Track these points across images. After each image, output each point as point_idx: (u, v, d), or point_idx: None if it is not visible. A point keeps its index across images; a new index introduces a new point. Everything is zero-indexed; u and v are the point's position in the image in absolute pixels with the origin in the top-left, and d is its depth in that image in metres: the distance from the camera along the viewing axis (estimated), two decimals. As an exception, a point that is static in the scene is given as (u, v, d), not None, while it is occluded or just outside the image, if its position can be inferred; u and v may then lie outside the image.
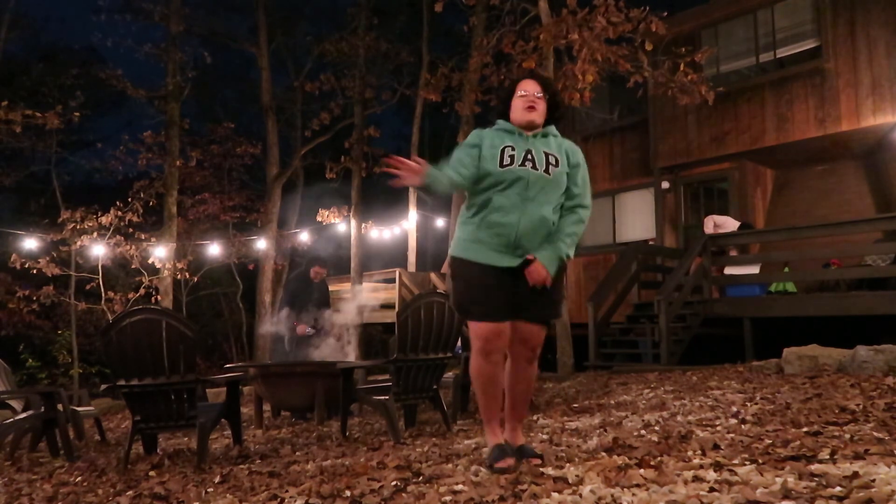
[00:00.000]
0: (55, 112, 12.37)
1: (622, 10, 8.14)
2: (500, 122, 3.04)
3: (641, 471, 2.40)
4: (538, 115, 2.96)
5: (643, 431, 3.46)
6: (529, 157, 2.87)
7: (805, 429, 3.06)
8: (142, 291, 13.68)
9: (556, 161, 2.90)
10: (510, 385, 2.96)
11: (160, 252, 13.23)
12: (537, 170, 2.86)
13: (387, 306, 13.35)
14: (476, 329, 2.84)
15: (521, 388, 2.96)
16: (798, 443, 2.71)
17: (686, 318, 9.33)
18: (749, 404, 4.14)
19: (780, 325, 8.76)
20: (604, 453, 2.88)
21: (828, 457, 2.42)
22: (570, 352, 8.64)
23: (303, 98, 18.24)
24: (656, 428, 3.55)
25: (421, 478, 2.71)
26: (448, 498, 2.35)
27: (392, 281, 13.69)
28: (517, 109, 2.97)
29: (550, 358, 9.28)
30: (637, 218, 12.37)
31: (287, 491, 2.82)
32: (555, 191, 2.89)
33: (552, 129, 3.03)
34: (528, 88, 2.99)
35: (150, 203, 14.41)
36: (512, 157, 2.86)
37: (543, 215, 2.84)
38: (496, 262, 2.83)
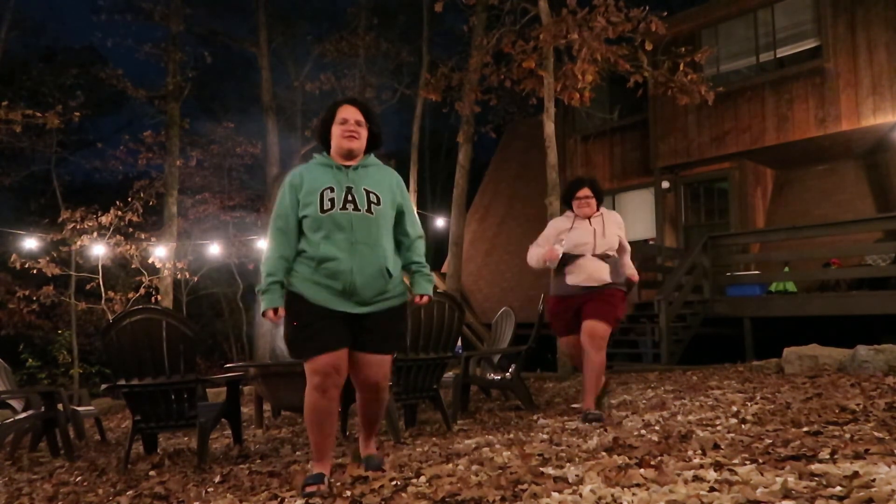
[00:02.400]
0: (55, 112, 12.36)
1: (622, 9, 8.14)
2: (318, 157, 2.94)
3: (641, 470, 2.39)
4: (359, 144, 2.88)
5: (643, 431, 3.46)
6: (350, 196, 2.79)
7: (805, 428, 3.06)
8: (142, 291, 13.67)
9: (378, 198, 2.82)
10: (360, 411, 3.05)
11: (160, 252, 13.23)
12: (359, 210, 2.78)
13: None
14: (312, 365, 2.75)
15: (369, 414, 3.04)
16: (798, 442, 2.71)
17: (686, 317, 9.33)
18: (749, 404, 4.14)
19: (781, 324, 8.77)
20: (604, 453, 2.88)
21: (828, 456, 2.42)
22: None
23: (303, 98, 18.25)
24: (656, 428, 3.55)
25: (421, 478, 2.71)
26: (448, 498, 2.35)
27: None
28: (336, 136, 2.88)
29: (550, 358, 9.28)
30: (637, 218, 12.36)
31: (287, 491, 2.83)
32: (382, 228, 2.83)
33: (372, 158, 2.96)
34: (348, 115, 2.89)
35: (150, 203, 14.39)
36: (332, 200, 2.77)
37: (377, 259, 2.79)
38: (335, 306, 2.77)
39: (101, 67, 15.66)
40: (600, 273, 4.25)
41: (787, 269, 10.03)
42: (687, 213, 11.98)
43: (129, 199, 13.94)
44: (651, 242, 11.66)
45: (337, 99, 3.19)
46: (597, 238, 4.30)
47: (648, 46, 8.64)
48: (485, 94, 11.64)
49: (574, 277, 4.28)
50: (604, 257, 4.29)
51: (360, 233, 2.77)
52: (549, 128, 8.65)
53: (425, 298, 2.96)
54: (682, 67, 9.01)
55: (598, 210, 4.41)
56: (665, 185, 11.73)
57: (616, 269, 4.33)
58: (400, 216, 2.96)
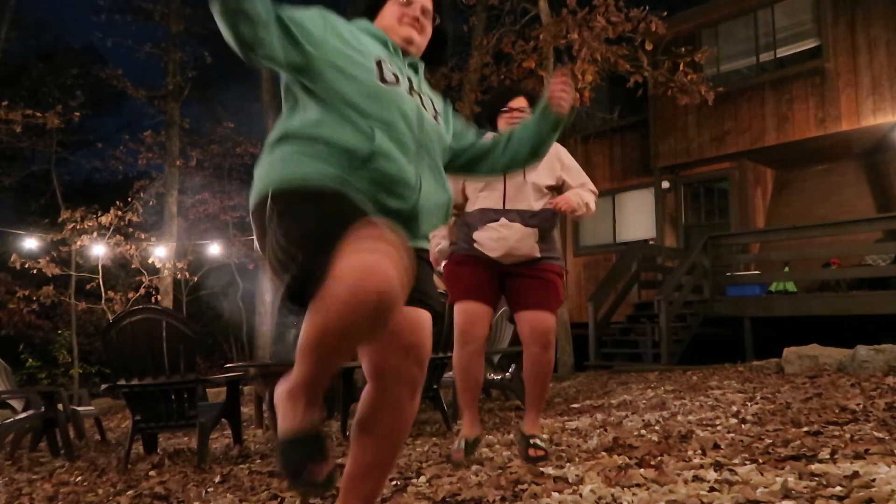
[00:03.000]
0: (55, 112, 12.36)
1: (622, 9, 8.15)
2: (364, 22, 1.83)
3: (642, 470, 2.40)
4: (421, 40, 1.85)
5: (643, 431, 3.46)
6: (415, 88, 1.78)
7: (805, 428, 3.06)
8: (142, 291, 13.66)
9: (437, 113, 1.84)
10: (388, 432, 1.90)
11: (160, 252, 13.22)
12: (426, 111, 1.76)
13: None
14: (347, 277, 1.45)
15: (400, 435, 2.21)
16: (798, 442, 2.71)
17: (686, 317, 9.34)
18: (749, 404, 4.14)
19: (781, 324, 8.77)
20: (604, 453, 2.88)
21: (828, 456, 2.42)
22: (570, 351, 8.64)
23: (303, 98, 18.21)
24: (656, 428, 3.55)
25: (421, 478, 2.71)
26: (448, 498, 2.35)
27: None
28: (390, 16, 1.81)
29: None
30: (637, 218, 12.37)
31: (287, 490, 2.83)
32: (443, 150, 1.84)
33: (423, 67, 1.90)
34: None
35: (151, 203, 14.41)
36: (396, 75, 1.71)
37: (443, 182, 1.77)
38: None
39: (101, 67, 15.66)
40: (525, 245, 2.95)
41: (787, 269, 10.03)
42: (687, 213, 11.98)
43: (129, 199, 13.94)
44: (651, 242, 11.67)
45: None
46: (507, 180, 2.95)
47: (648, 46, 8.64)
48: (484, 94, 11.61)
49: (486, 246, 2.96)
50: (527, 217, 2.95)
51: (428, 137, 1.73)
52: (549, 128, 8.63)
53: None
54: (682, 67, 9.01)
55: None
56: (665, 185, 11.74)
57: (550, 233, 3.04)
58: (472, 136, 2.00)
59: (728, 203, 11.34)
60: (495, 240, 2.95)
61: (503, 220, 2.94)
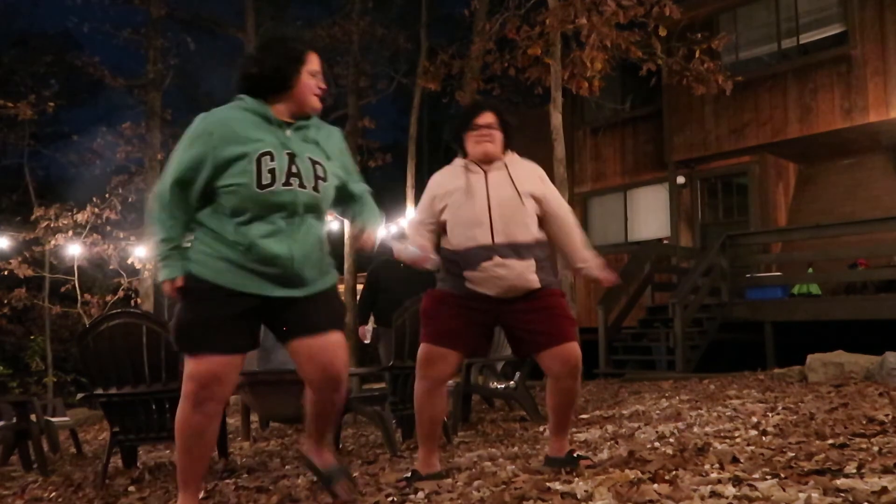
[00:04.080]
0: (28, 102, 12.38)
1: (634, -8, 8.15)
2: (248, 101, 2.45)
3: (655, 486, 2.40)
4: (320, 106, 2.53)
5: (657, 444, 3.46)
6: (294, 168, 2.39)
7: (830, 441, 3.06)
8: (120, 294, 13.67)
9: (325, 172, 2.47)
10: (312, 410, 2.65)
11: (140, 252, 13.22)
12: (305, 188, 2.41)
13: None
14: (193, 365, 2.38)
15: (329, 414, 2.66)
16: (823, 456, 2.71)
17: (703, 322, 9.34)
18: (770, 415, 4.14)
19: (804, 329, 8.77)
20: (615, 467, 2.88)
21: (854, 471, 2.42)
22: (578, 358, 8.63)
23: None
24: (671, 440, 3.55)
25: (419, 493, 2.72)
26: (448, 515, 2.35)
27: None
28: (306, 87, 2.46)
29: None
30: (650, 215, 12.37)
31: (276, 507, 2.83)
32: (325, 206, 2.52)
33: (313, 120, 2.56)
34: (319, 68, 2.50)
35: (130, 199, 14.40)
36: (272, 171, 2.35)
37: (316, 233, 2.49)
38: (268, 292, 2.41)
39: (76, 54, 15.66)
40: (523, 280, 2.88)
41: (810, 270, 10.04)
42: (704, 211, 11.98)
43: (107, 196, 13.93)
44: (665, 242, 11.67)
45: (301, 36, 2.83)
46: (493, 210, 2.89)
47: (662, 32, 8.64)
48: (487, 83, 11.63)
49: (480, 286, 2.89)
50: (522, 250, 2.88)
51: (305, 209, 2.43)
52: (556, 119, 8.65)
53: (372, 237, 2.62)
54: (698, 55, 9.01)
55: (503, 153, 3.02)
56: (680, 180, 11.74)
57: (546, 260, 3.00)
58: (342, 185, 2.61)
59: (747, 199, 11.34)
60: (491, 281, 2.86)
61: (497, 259, 2.84)
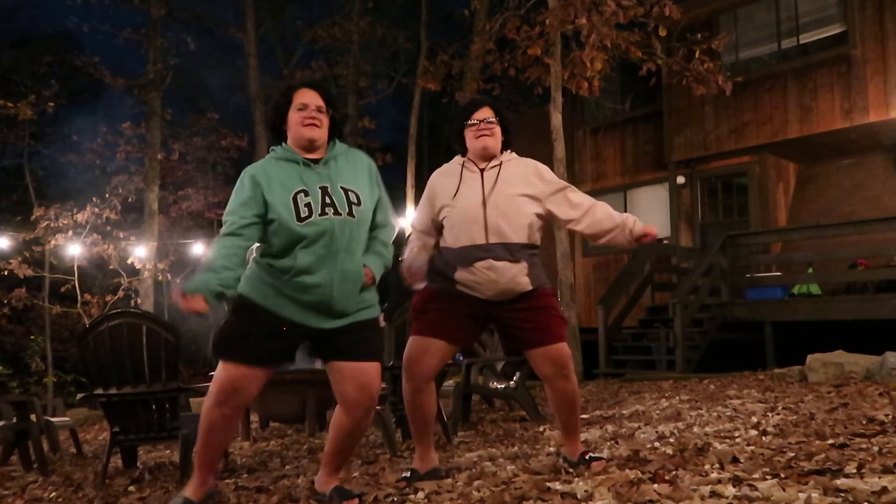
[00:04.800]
0: (28, 102, 12.37)
1: (634, -8, 8.16)
2: (278, 150, 2.74)
3: (655, 486, 2.40)
4: (321, 133, 2.71)
5: (657, 444, 3.46)
6: (328, 199, 2.63)
7: (830, 441, 3.06)
8: (120, 294, 13.67)
9: (358, 198, 2.69)
10: (340, 436, 2.76)
11: (140, 252, 13.23)
12: (340, 214, 2.63)
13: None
14: (221, 371, 2.63)
15: (353, 440, 2.80)
16: (823, 456, 2.72)
17: (703, 322, 9.34)
18: (770, 415, 4.15)
19: (804, 329, 8.77)
20: (615, 467, 2.88)
21: (854, 471, 2.42)
22: (578, 358, 8.65)
23: (293, 87, 18.23)
24: (671, 440, 3.55)
25: (419, 493, 2.72)
26: (448, 515, 2.35)
27: (388, 282, 13.68)
28: (294, 123, 2.70)
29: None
30: (650, 215, 12.34)
31: (276, 507, 2.83)
32: (362, 232, 2.71)
33: (339, 146, 2.78)
34: (308, 100, 2.70)
35: (130, 199, 14.40)
36: (308, 205, 2.60)
37: (356, 267, 2.68)
38: (304, 320, 2.64)
39: (76, 54, 15.68)
40: (515, 283, 2.89)
41: (810, 270, 10.04)
42: (704, 211, 11.98)
43: (107, 196, 13.93)
44: (665, 242, 11.67)
45: (297, 81, 3.08)
46: (488, 209, 2.88)
47: (662, 32, 8.65)
48: (487, 83, 11.65)
49: (471, 290, 2.90)
50: (515, 251, 2.87)
51: (341, 240, 2.63)
52: (557, 119, 8.66)
53: (369, 276, 2.73)
54: (698, 55, 9.02)
55: (502, 152, 3.03)
56: (680, 180, 11.75)
57: (535, 261, 2.96)
58: (375, 209, 2.80)
59: (747, 199, 11.34)
60: (483, 283, 2.86)
61: (489, 262, 2.84)
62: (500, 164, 2.98)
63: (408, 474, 2.97)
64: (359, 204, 2.68)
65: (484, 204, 2.89)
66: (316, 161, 2.71)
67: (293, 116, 2.70)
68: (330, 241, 2.61)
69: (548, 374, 2.94)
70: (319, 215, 2.60)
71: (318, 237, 2.60)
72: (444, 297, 2.93)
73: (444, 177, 3.04)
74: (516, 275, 2.86)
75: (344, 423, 2.73)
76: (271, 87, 18.36)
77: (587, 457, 2.94)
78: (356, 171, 2.76)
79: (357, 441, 2.90)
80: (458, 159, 3.06)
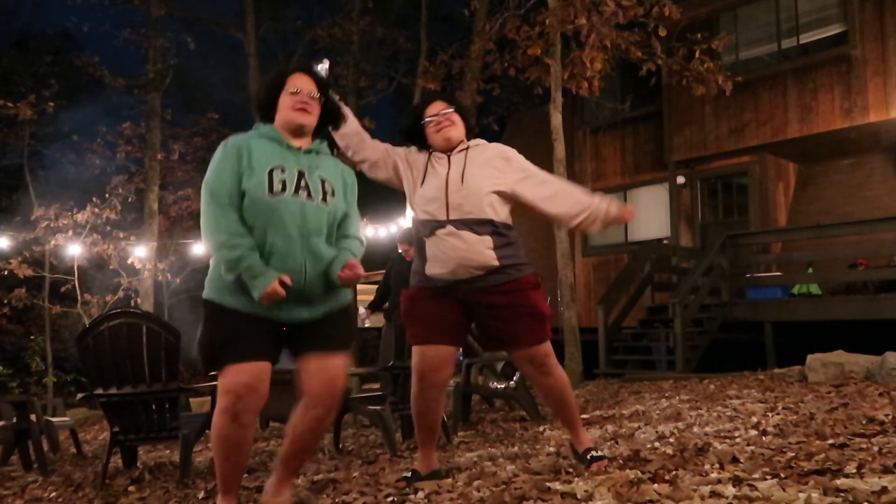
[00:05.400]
0: (28, 102, 12.37)
1: (633, -8, 8.15)
2: (263, 128, 2.66)
3: (655, 486, 2.40)
4: (311, 120, 2.65)
5: (657, 444, 3.46)
6: (304, 182, 2.56)
7: (830, 441, 3.06)
8: (120, 294, 13.67)
9: (333, 190, 2.63)
10: (298, 434, 2.64)
11: (140, 252, 13.23)
12: (313, 200, 2.55)
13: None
14: (226, 378, 2.46)
15: (312, 440, 2.69)
16: (823, 456, 2.72)
17: (703, 322, 9.34)
18: (770, 415, 4.15)
19: (804, 329, 8.77)
20: (615, 467, 2.88)
21: (854, 471, 2.42)
22: (578, 358, 8.64)
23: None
24: (671, 440, 3.55)
25: (419, 493, 2.72)
26: (448, 515, 2.35)
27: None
28: (285, 107, 2.63)
29: (558, 365, 9.27)
30: (650, 215, 12.36)
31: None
32: (331, 226, 2.63)
33: (324, 145, 2.74)
34: (301, 85, 2.64)
35: (130, 199, 14.39)
36: (283, 182, 2.52)
37: (329, 254, 2.59)
38: (277, 315, 2.52)
39: (76, 54, 15.66)
40: (478, 254, 2.82)
41: (810, 270, 10.04)
42: (704, 211, 11.98)
43: (107, 196, 13.93)
44: (665, 242, 11.67)
45: (293, 64, 2.99)
46: (450, 188, 2.87)
47: (662, 32, 8.64)
48: (487, 84, 11.64)
49: (434, 265, 2.87)
50: (475, 225, 2.83)
51: (313, 223, 2.54)
52: (557, 119, 8.65)
53: (355, 266, 2.61)
54: (698, 55, 9.01)
55: (466, 141, 3.01)
56: (680, 180, 11.75)
57: (508, 241, 2.92)
58: (344, 218, 2.71)
59: (748, 199, 11.34)
60: (445, 250, 2.82)
61: (450, 228, 2.82)
62: (468, 149, 2.97)
63: (408, 475, 2.97)
64: (333, 196, 2.62)
65: (447, 183, 2.88)
66: (298, 148, 2.65)
67: (285, 100, 2.64)
68: (302, 222, 2.52)
69: (527, 372, 3.01)
70: (293, 194, 2.52)
71: (289, 218, 2.50)
72: (427, 295, 2.92)
73: (416, 155, 3.02)
74: (477, 244, 2.80)
75: (305, 421, 2.61)
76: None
77: (589, 455, 2.94)
78: (335, 170, 2.71)
79: (316, 442, 2.77)
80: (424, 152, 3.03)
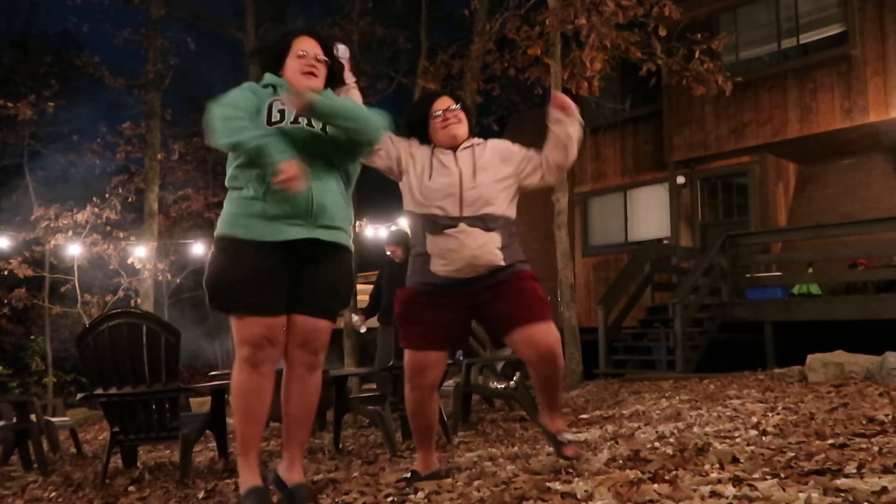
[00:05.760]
0: (28, 102, 12.37)
1: (633, -8, 8.15)
2: (268, 76, 2.72)
3: (655, 486, 2.40)
4: (318, 83, 2.69)
5: (657, 444, 3.46)
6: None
7: (830, 441, 3.06)
8: (120, 294, 13.68)
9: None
10: (285, 402, 2.66)
11: (140, 252, 13.23)
12: (313, 127, 2.59)
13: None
14: (242, 329, 2.54)
15: (301, 405, 2.67)
16: (823, 456, 2.72)
17: (703, 322, 9.34)
18: (770, 415, 4.14)
19: (804, 329, 8.77)
20: (615, 467, 2.88)
21: (855, 471, 2.42)
22: (578, 358, 8.65)
23: (293, 87, 18.25)
24: (671, 440, 3.55)
25: (419, 493, 2.71)
26: (448, 515, 2.35)
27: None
28: (292, 70, 2.68)
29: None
30: (650, 215, 12.37)
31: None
32: (336, 153, 2.65)
33: (328, 91, 2.75)
34: (308, 48, 2.68)
35: (130, 199, 14.41)
36: (282, 112, 2.57)
37: (336, 179, 2.64)
38: (285, 235, 2.53)
39: (76, 54, 15.68)
40: (486, 252, 2.78)
41: (810, 270, 10.04)
42: (704, 211, 11.98)
43: (107, 196, 13.95)
44: (665, 242, 11.67)
45: (298, 26, 3.01)
46: (464, 184, 2.82)
47: (662, 32, 8.65)
48: (487, 84, 11.64)
49: (439, 262, 2.79)
50: (489, 221, 2.80)
51: (315, 149, 2.58)
52: (557, 119, 8.63)
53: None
54: (698, 55, 9.02)
55: (469, 138, 2.97)
56: (680, 180, 11.75)
57: (511, 240, 2.91)
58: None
59: (747, 199, 11.34)
60: (453, 249, 2.75)
61: (461, 226, 2.76)
62: (473, 146, 2.94)
63: (408, 475, 2.97)
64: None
65: (461, 179, 2.82)
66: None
67: (291, 63, 2.67)
68: (302, 147, 2.54)
69: (530, 359, 2.83)
70: (291, 123, 2.56)
71: (290, 145, 2.51)
72: (425, 298, 2.85)
73: (419, 148, 2.95)
74: (488, 242, 2.77)
75: (289, 382, 2.67)
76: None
77: (562, 437, 2.92)
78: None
79: (309, 409, 2.73)
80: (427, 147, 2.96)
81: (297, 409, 2.69)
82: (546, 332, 2.78)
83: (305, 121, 2.57)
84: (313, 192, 2.53)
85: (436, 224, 2.79)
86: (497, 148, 3.00)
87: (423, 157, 2.91)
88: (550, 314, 2.86)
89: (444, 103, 2.95)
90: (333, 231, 2.63)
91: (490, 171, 2.87)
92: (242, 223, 2.54)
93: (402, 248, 6.12)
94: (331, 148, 2.63)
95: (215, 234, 2.61)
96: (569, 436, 3.00)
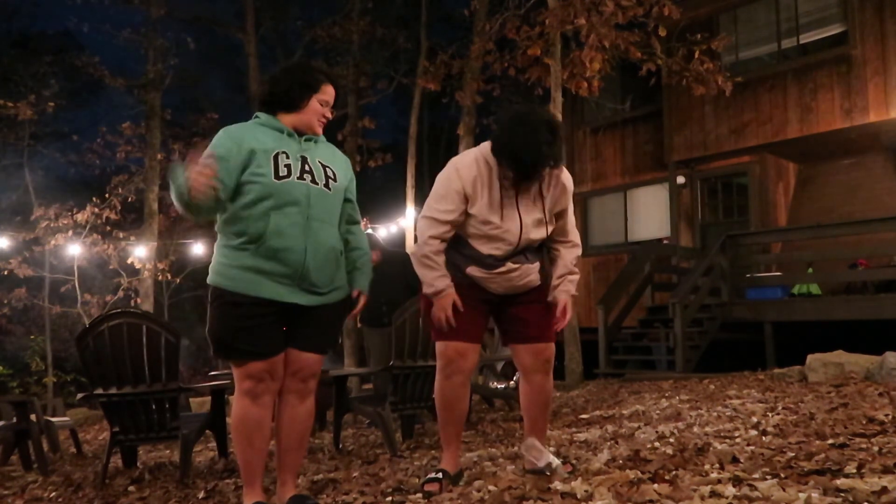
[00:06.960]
0: (28, 102, 12.36)
1: (633, -8, 8.15)
2: (263, 117, 2.72)
3: (655, 486, 2.40)
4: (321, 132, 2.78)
5: (657, 444, 3.46)
6: (307, 167, 2.64)
7: (830, 441, 3.06)
8: (120, 294, 13.68)
9: (335, 175, 2.71)
10: (277, 430, 2.70)
11: (140, 252, 13.22)
12: (317, 184, 2.63)
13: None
14: (243, 369, 2.57)
15: (293, 433, 2.69)
16: (823, 456, 2.72)
17: (703, 322, 9.34)
18: (770, 415, 4.15)
19: (804, 329, 8.77)
20: (615, 467, 2.88)
21: (854, 471, 2.42)
22: (578, 358, 8.64)
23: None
24: (671, 440, 3.55)
25: (419, 493, 2.72)
26: (448, 515, 2.35)
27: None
28: (313, 112, 2.70)
29: (558, 365, 9.28)
30: (650, 215, 12.37)
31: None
32: (335, 210, 2.71)
33: (321, 137, 2.80)
34: (330, 100, 2.75)
35: (129, 199, 14.40)
36: (288, 166, 2.59)
37: (332, 240, 2.67)
38: (280, 297, 2.55)
39: (76, 54, 15.65)
40: (526, 280, 2.94)
41: (810, 270, 10.04)
42: (704, 211, 11.98)
43: (107, 196, 13.94)
44: (666, 242, 11.67)
45: (323, 68, 2.95)
46: (522, 236, 2.86)
47: (662, 32, 8.64)
48: (487, 84, 11.62)
49: (482, 283, 2.92)
50: (531, 254, 2.95)
51: (316, 208, 2.61)
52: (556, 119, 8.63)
53: (363, 298, 2.80)
54: (697, 55, 9.01)
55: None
56: (680, 180, 11.75)
57: (541, 254, 3.02)
58: (348, 202, 2.80)
59: (747, 199, 11.34)
60: (498, 282, 2.90)
61: (508, 265, 2.87)
62: (544, 178, 2.83)
63: (438, 475, 2.84)
64: (335, 180, 2.70)
65: (520, 230, 2.84)
66: (300, 135, 2.71)
67: (315, 107, 2.71)
68: (306, 206, 2.59)
69: (528, 366, 2.98)
70: (297, 178, 2.59)
71: (294, 201, 2.57)
72: (459, 291, 2.86)
73: (470, 172, 2.82)
74: (531, 273, 2.93)
75: (281, 411, 2.69)
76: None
77: (547, 467, 2.84)
78: (334, 157, 2.79)
79: (301, 436, 2.73)
80: (479, 155, 2.85)
81: (289, 437, 2.70)
82: (549, 349, 3.01)
83: (311, 178, 2.62)
84: (308, 256, 2.57)
85: (483, 263, 2.88)
86: (559, 189, 2.91)
87: (487, 182, 2.81)
88: (555, 335, 3.04)
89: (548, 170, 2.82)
90: (318, 297, 2.64)
91: (541, 214, 2.88)
92: (232, 275, 2.56)
93: (375, 253, 6.06)
94: (333, 201, 2.69)
95: (209, 279, 2.62)
96: (552, 459, 2.89)
